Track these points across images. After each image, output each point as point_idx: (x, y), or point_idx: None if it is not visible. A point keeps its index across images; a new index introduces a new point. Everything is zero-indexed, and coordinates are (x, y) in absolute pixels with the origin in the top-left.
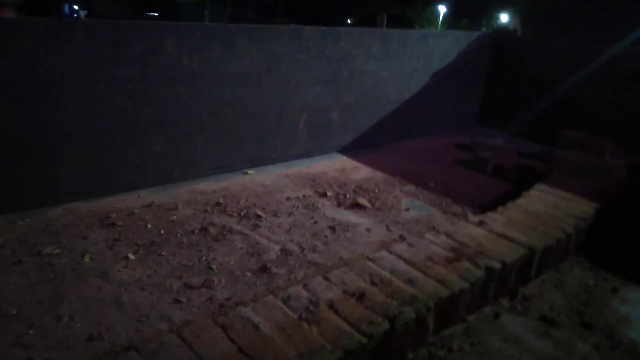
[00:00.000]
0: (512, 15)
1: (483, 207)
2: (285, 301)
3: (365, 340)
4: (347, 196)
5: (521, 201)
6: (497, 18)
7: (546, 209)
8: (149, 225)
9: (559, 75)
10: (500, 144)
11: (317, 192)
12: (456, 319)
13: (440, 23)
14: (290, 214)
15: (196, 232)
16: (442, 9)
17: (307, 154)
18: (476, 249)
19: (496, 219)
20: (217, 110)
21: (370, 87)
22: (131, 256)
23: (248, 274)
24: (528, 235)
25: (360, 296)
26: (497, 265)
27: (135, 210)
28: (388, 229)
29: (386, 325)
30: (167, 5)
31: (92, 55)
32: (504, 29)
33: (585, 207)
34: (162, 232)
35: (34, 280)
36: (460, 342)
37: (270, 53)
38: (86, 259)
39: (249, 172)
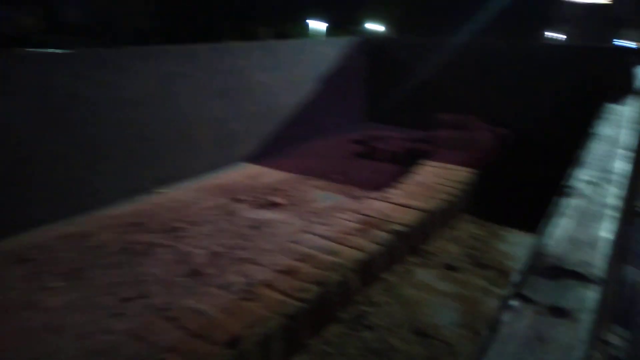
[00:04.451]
0: (385, 24)
1: (382, 188)
2: (224, 288)
3: (302, 304)
4: (262, 198)
5: (413, 176)
6: (366, 26)
7: (433, 179)
8: (70, 254)
9: (426, 66)
10: (390, 134)
11: (232, 199)
12: (375, 278)
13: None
14: (210, 222)
15: (119, 252)
16: (322, 25)
17: (215, 166)
18: (382, 218)
19: (395, 193)
20: (117, 133)
21: (265, 96)
22: (58, 284)
23: (180, 279)
24: (423, 201)
25: (291, 272)
26: (402, 229)
27: (50, 243)
28: (305, 219)
29: (316, 289)
30: None
31: None
32: (374, 33)
33: (463, 173)
34: (85, 257)
35: None
36: (382, 296)
37: (166, 73)
38: (12, 295)
39: (161, 191)
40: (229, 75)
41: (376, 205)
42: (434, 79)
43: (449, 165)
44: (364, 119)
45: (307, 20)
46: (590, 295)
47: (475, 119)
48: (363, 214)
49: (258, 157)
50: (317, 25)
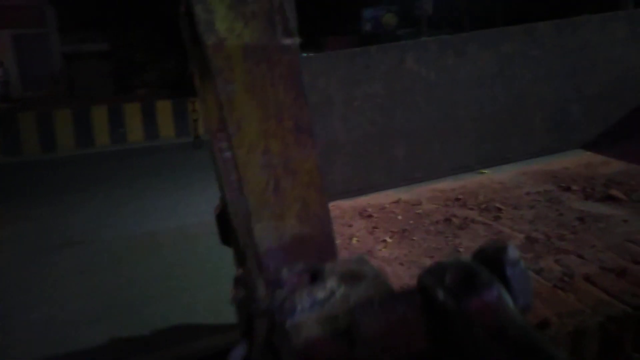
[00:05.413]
0: None
1: None
2: (538, 272)
3: (630, 310)
4: (596, 190)
5: None
6: None
7: None
8: (399, 217)
9: None
10: None
11: (559, 186)
12: None
13: None
14: (531, 207)
15: (440, 222)
16: None
17: (547, 150)
18: None
19: None
20: (451, 114)
21: (615, 75)
22: (388, 240)
23: None
24: None
25: (621, 272)
26: None
27: (386, 206)
28: None
29: None
30: None
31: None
32: None
33: None
34: (410, 222)
35: None
36: None
37: (502, 54)
38: (354, 241)
39: (484, 171)
40: (574, 54)
41: None
42: None
43: None
44: None
45: None
46: None
47: None
48: None
49: (599, 144)
50: None
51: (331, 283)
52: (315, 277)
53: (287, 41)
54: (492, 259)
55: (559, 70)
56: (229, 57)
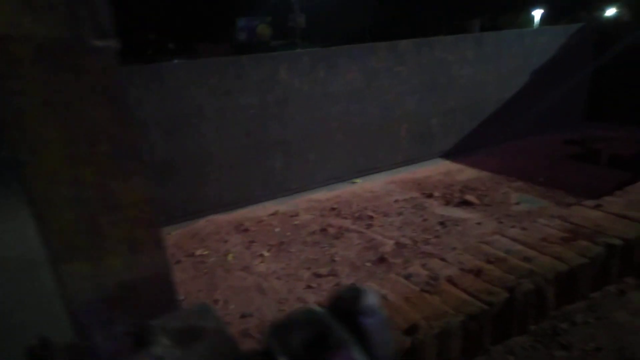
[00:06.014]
0: (621, 6)
1: (599, 195)
2: (407, 277)
3: (486, 307)
4: (454, 195)
5: None
6: (603, 11)
7: None
8: (276, 229)
9: None
10: (614, 135)
11: (423, 193)
12: (578, 295)
13: (537, 26)
14: (400, 214)
15: (317, 232)
16: (537, 13)
17: (410, 160)
18: (594, 228)
19: (614, 202)
20: (325, 126)
21: (468, 90)
22: (266, 253)
23: (368, 264)
24: None
25: (478, 272)
26: (617, 242)
27: (264, 218)
28: (499, 222)
29: (505, 295)
30: None
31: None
32: (604, 19)
33: None
34: (288, 233)
35: (192, 275)
36: (584, 316)
37: (369, 69)
38: (229, 258)
39: (356, 180)
40: (432, 70)
41: (588, 213)
42: None
43: None
44: (583, 117)
45: (530, 10)
46: None
47: None
48: (570, 222)
49: (456, 154)
50: (536, 14)
51: (161, 347)
52: (142, 339)
53: (100, 43)
54: (347, 309)
55: (419, 85)
56: (15, 61)
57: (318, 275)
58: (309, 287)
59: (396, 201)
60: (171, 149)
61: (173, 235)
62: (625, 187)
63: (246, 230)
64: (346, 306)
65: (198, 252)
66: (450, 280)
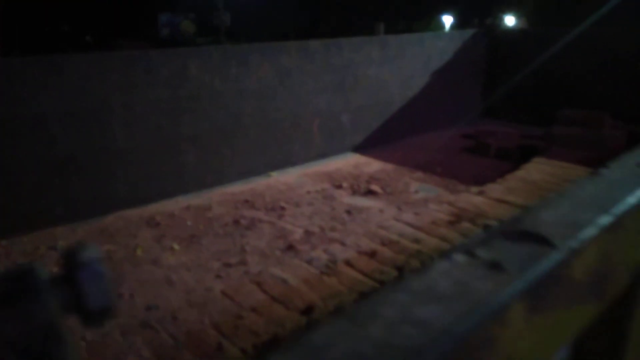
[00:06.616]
0: (519, 16)
1: (485, 183)
2: (308, 262)
3: (377, 285)
4: (361, 186)
5: (519, 172)
6: (502, 20)
7: (543, 177)
8: (188, 223)
9: (551, 58)
10: (503, 130)
11: (333, 185)
12: None
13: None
14: (310, 204)
15: (230, 224)
16: (448, 19)
17: (323, 155)
18: (476, 212)
19: (495, 189)
20: (238, 121)
21: (375, 90)
22: (176, 247)
23: (277, 252)
24: (525, 199)
25: (372, 254)
26: (494, 223)
27: (176, 212)
28: (399, 209)
29: (395, 273)
30: None
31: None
32: (503, 26)
33: (580, 173)
34: (200, 227)
35: None
36: None
37: (281, 67)
38: (138, 252)
39: (272, 174)
40: (340, 69)
41: (472, 199)
42: (559, 72)
43: (564, 164)
44: (479, 115)
45: (440, 17)
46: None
47: (605, 115)
48: (456, 207)
49: (365, 148)
50: (446, 20)
51: None
52: None
53: None
54: (66, 262)
55: (329, 84)
56: None
57: (228, 265)
58: (218, 276)
59: (308, 192)
60: (75, 144)
61: (79, 232)
62: (505, 175)
63: (157, 224)
64: (65, 261)
65: (105, 248)
66: (347, 262)
